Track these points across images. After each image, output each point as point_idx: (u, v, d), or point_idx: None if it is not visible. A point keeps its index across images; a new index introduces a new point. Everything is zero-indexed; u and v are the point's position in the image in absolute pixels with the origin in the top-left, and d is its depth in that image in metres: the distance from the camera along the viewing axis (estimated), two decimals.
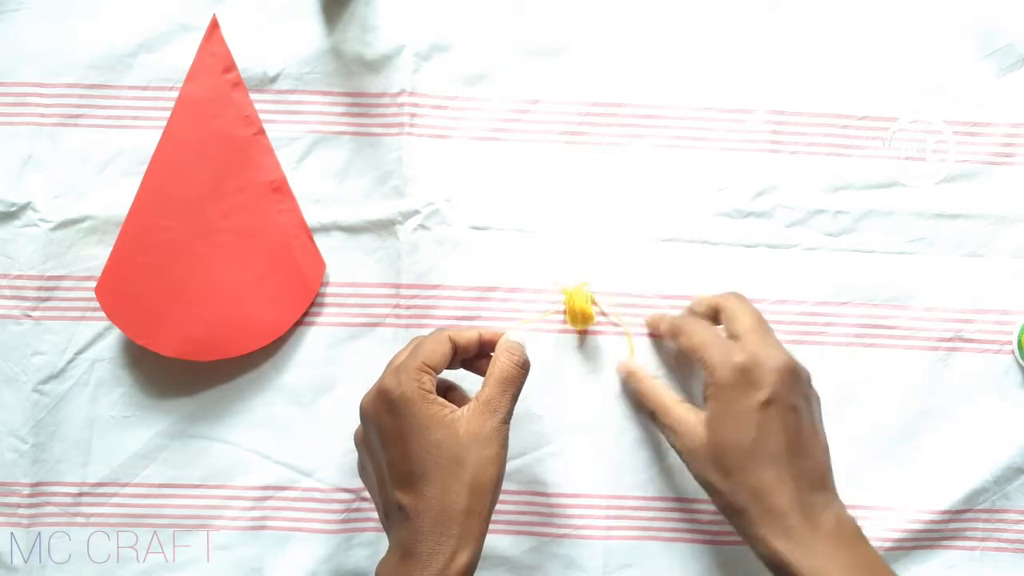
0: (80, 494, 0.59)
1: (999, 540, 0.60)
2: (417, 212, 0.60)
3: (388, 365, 0.51)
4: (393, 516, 0.50)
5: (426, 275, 0.60)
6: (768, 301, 0.60)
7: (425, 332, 0.59)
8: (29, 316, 0.59)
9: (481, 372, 0.53)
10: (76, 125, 0.60)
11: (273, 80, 0.60)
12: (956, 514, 0.59)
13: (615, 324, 0.60)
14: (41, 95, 0.60)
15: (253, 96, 0.60)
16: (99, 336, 0.59)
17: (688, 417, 0.53)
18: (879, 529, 0.59)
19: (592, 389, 0.60)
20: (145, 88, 0.60)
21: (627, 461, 0.60)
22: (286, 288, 0.59)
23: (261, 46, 0.60)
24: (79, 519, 0.59)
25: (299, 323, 0.60)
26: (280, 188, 0.59)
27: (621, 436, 0.60)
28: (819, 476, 0.51)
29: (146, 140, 0.59)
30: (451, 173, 0.60)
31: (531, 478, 0.60)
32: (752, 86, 0.61)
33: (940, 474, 0.59)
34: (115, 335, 0.59)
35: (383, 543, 0.59)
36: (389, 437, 0.49)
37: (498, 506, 0.59)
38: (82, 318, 0.59)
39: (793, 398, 0.50)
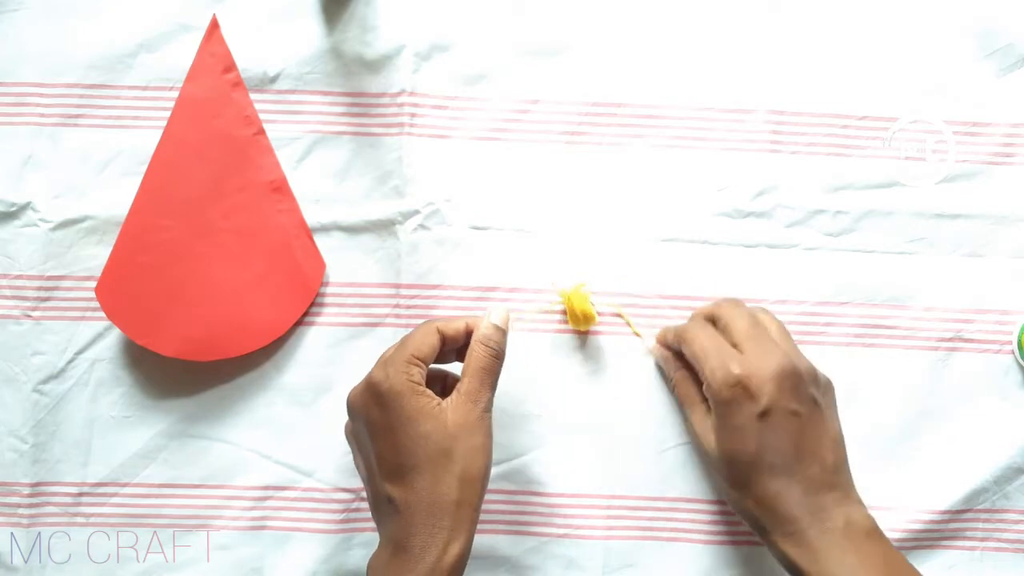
0: (80, 494, 0.59)
1: (999, 540, 0.60)
2: (417, 212, 0.60)
3: (378, 360, 0.51)
4: (383, 509, 0.50)
5: (426, 275, 0.60)
6: (768, 301, 0.60)
7: None
8: (29, 316, 0.59)
9: None
10: (76, 125, 0.60)
11: (273, 80, 0.60)
12: (956, 514, 0.59)
13: (622, 319, 0.60)
14: (41, 95, 0.60)
15: (253, 96, 0.60)
16: (99, 336, 0.59)
17: (704, 421, 0.54)
18: None
19: (592, 389, 0.60)
20: (145, 88, 0.60)
21: (627, 461, 0.60)
22: (286, 288, 0.59)
23: (261, 46, 0.60)
24: (79, 519, 0.59)
25: (299, 323, 0.60)
26: (280, 188, 0.59)
27: (621, 436, 0.60)
28: (828, 476, 0.51)
29: (146, 140, 0.59)
30: (451, 173, 0.60)
31: (531, 478, 0.60)
32: (752, 86, 0.61)
33: (940, 474, 0.59)
34: (115, 335, 0.59)
35: None
36: (378, 430, 0.49)
37: (498, 506, 0.59)
38: (82, 318, 0.59)
39: (793, 403, 0.50)
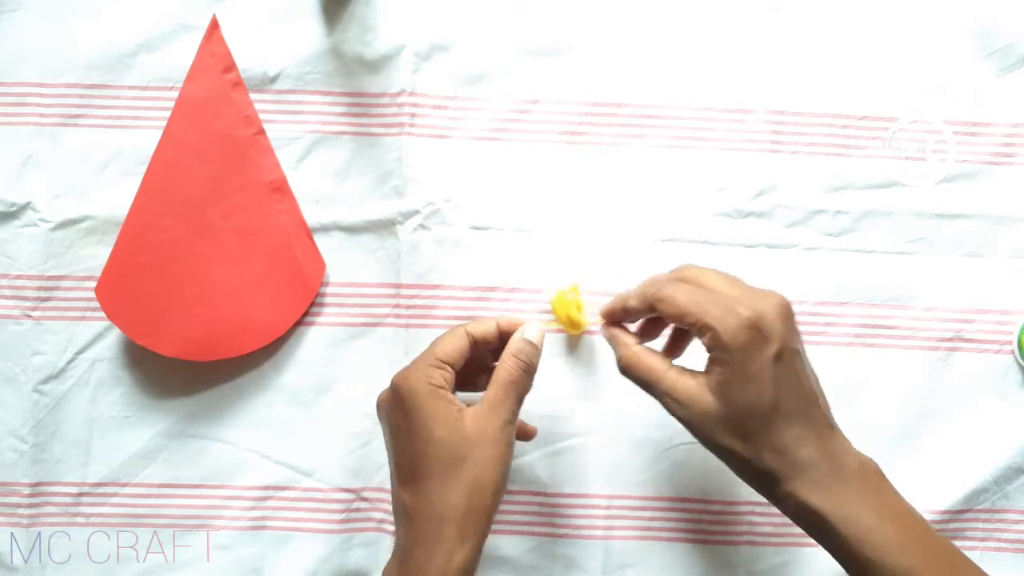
0: (80, 494, 0.59)
1: (999, 540, 0.60)
2: (417, 212, 0.60)
3: None
4: (398, 516, 0.49)
5: (426, 275, 0.60)
6: None
7: (425, 332, 0.59)
8: (29, 316, 0.59)
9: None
10: (76, 125, 0.60)
11: (273, 80, 0.60)
12: (956, 514, 0.59)
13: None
14: (41, 95, 0.60)
15: (253, 96, 0.60)
16: (99, 336, 0.59)
17: (688, 383, 0.47)
18: None
19: (592, 389, 0.60)
20: (145, 88, 0.60)
21: (627, 461, 0.60)
22: (286, 288, 0.59)
23: (261, 46, 0.60)
24: (79, 519, 0.59)
25: (299, 323, 0.60)
26: (280, 188, 0.59)
27: (621, 436, 0.60)
28: (829, 417, 0.48)
29: (146, 140, 0.59)
30: (451, 173, 0.60)
31: (531, 478, 0.60)
32: (752, 86, 0.61)
33: (940, 474, 0.59)
34: (115, 335, 0.59)
35: (383, 543, 0.59)
36: (397, 433, 0.49)
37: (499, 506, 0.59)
38: (82, 318, 0.59)
39: (796, 341, 0.47)
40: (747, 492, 0.59)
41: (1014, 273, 0.60)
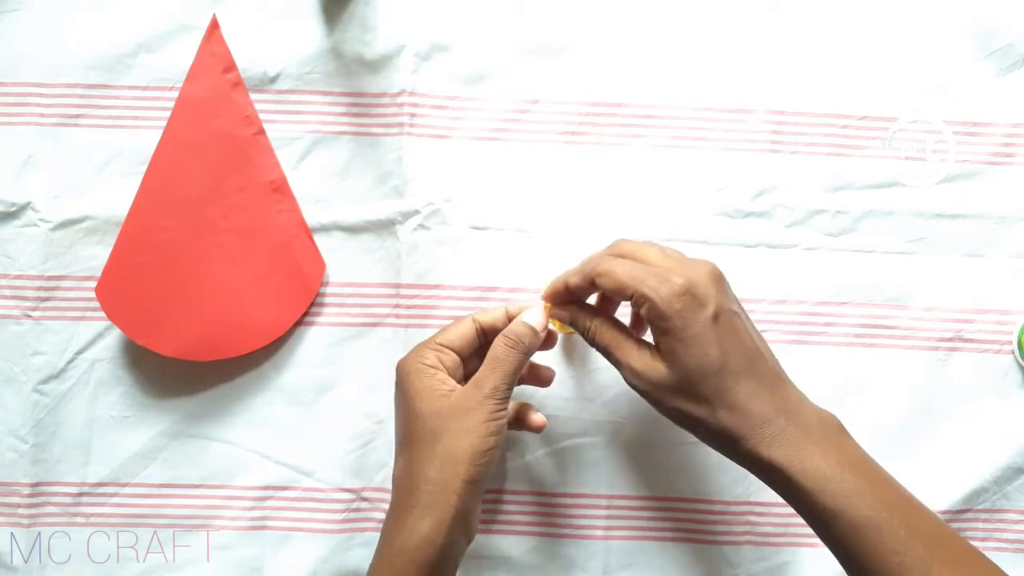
0: (80, 494, 0.59)
1: (999, 540, 0.60)
2: (417, 212, 0.60)
3: None
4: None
5: (426, 275, 0.60)
6: (768, 301, 0.60)
7: (425, 332, 0.59)
8: (29, 316, 0.59)
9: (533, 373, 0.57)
10: (76, 125, 0.60)
11: (273, 80, 0.60)
12: (956, 514, 0.59)
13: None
14: (41, 95, 0.60)
15: (253, 96, 0.60)
16: (99, 336, 0.59)
17: (642, 354, 0.49)
18: None
19: (591, 389, 0.60)
20: (145, 88, 0.60)
21: (627, 461, 0.60)
22: (286, 288, 0.59)
23: (261, 46, 0.60)
24: (79, 519, 0.59)
25: (299, 323, 0.60)
26: (280, 188, 0.59)
27: (621, 436, 0.60)
28: (780, 372, 0.49)
29: (146, 140, 0.59)
30: (451, 173, 0.60)
31: (531, 478, 0.60)
32: (752, 86, 0.61)
33: (940, 474, 0.59)
34: (115, 335, 0.59)
35: None
36: (396, 412, 0.52)
37: (498, 506, 0.59)
38: (82, 318, 0.59)
39: (732, 303, 0.49)
40: (747, 492, 0.59)
41: (1014, 273, 0.60)
